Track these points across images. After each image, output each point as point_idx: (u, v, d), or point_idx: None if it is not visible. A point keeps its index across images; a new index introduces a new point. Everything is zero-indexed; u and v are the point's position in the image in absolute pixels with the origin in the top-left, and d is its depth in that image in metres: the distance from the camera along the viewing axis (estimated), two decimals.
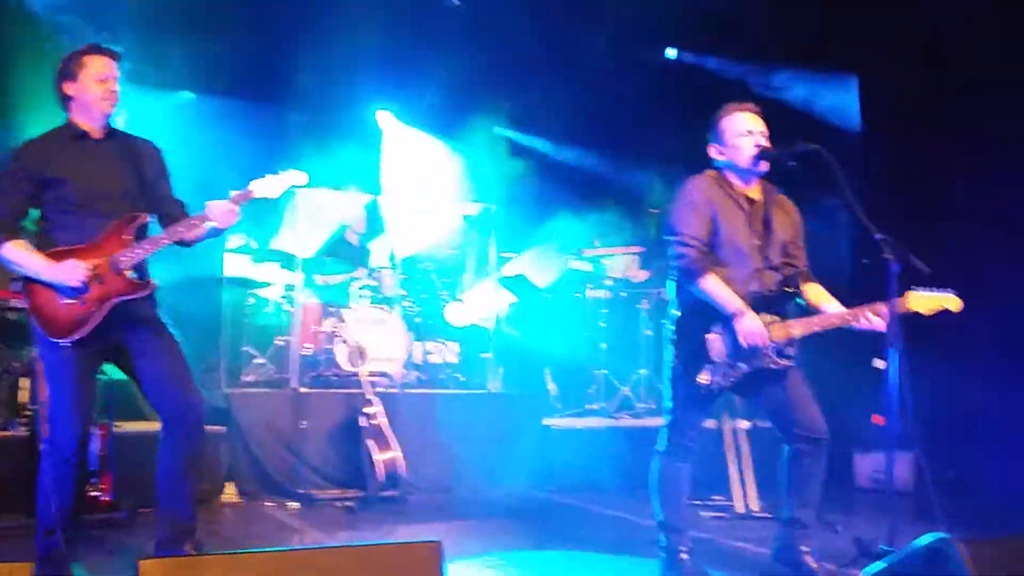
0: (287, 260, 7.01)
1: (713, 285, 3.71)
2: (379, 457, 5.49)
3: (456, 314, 7.55)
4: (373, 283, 7.16)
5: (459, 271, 7.72)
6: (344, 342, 6.43)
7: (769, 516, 5.10)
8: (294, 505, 5.47)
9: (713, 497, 5.51)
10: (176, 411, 3.63)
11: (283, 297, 7.12)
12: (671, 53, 8.68)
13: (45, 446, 3.58)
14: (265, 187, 3.76)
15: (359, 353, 6.15)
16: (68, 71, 3.62)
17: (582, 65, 7.95)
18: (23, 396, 5.50)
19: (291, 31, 7.43)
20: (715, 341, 3.73)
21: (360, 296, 7.03)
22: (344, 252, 7.52)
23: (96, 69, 3.61)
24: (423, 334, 7.31)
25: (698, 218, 3.78)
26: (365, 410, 5.63)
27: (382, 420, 5.65)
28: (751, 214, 3.85)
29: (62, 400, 3.53)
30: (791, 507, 3.87)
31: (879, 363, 3.75)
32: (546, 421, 6.56)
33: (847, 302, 3.84)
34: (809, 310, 3.84)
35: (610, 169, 8.60)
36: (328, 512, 5.40)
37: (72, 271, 3.47)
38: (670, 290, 3.95)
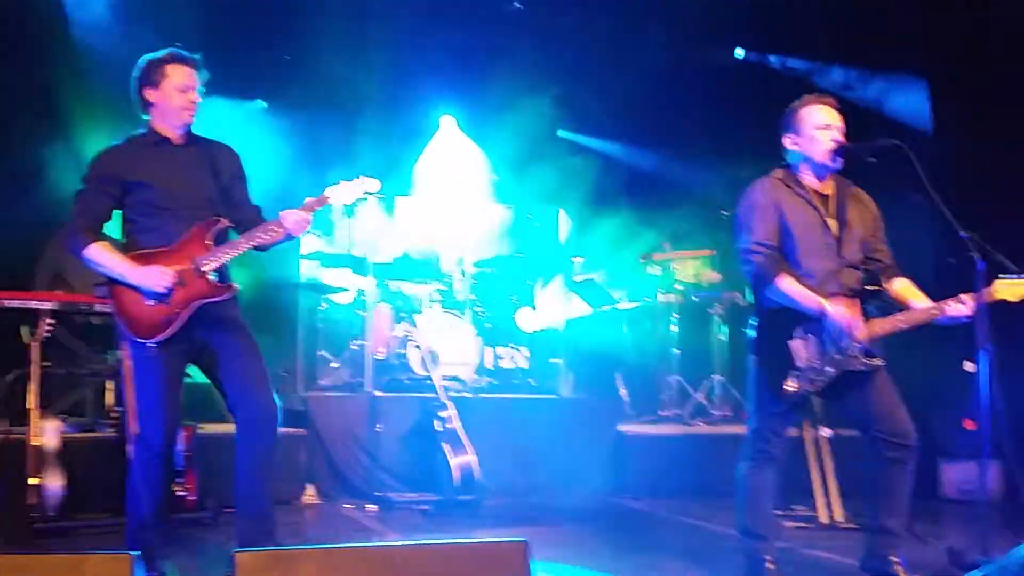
0: (359, 265, 7.10)
1: (789, 286, 3.64)
2: (454, 461, 5.50)
3: (526, 319, 7.56)
4: (443, 288, 7.22)
5: (528, 276, 7.72)
6: (417, 347, 6.49)
7: (854, 526, 4.98)
8: (372, 507, 5.51)
9: (794, 507, 5.39)
10: (253, 413, 3.69)
11: (356, 302, 7.21)
12: (739, 53, 8.57)
13: (135, 444, 3.66)
14: (339, 194, 3.82)
15: (432, 357, 6.21)
16: (150, 78, 3.68)
17: (649, 65, 7.91)
18: (109, 398, 5.68)
19: (356, 39, 7.53)
20: (799, 346, 3.66)
21: (431, 301, 7.10)
22: (414, 257, 7.58)
23: (179, 79, 3.67)
24: (493, 339, 7.32)
25: (765, 222, 3.71)
26: (440, 414, 5.66)
27: (456, 424, 5.67)
28: (824, 211, 3.76)
29: (150, 398, 3.61)
30: (878, 516, 3.76)
31: (969, 366, 3.64)
32: (620, 427, 6.51)
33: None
34: (893, 307, 3.74)
35: (679, 171, 8.51)
36: (405, 515, 5.43)
37: (158, 276, 3.55)
38: (749, 296, 3.89)
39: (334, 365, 7.07)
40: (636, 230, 8.04)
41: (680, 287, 7.48)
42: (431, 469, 5.71)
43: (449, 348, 6.73)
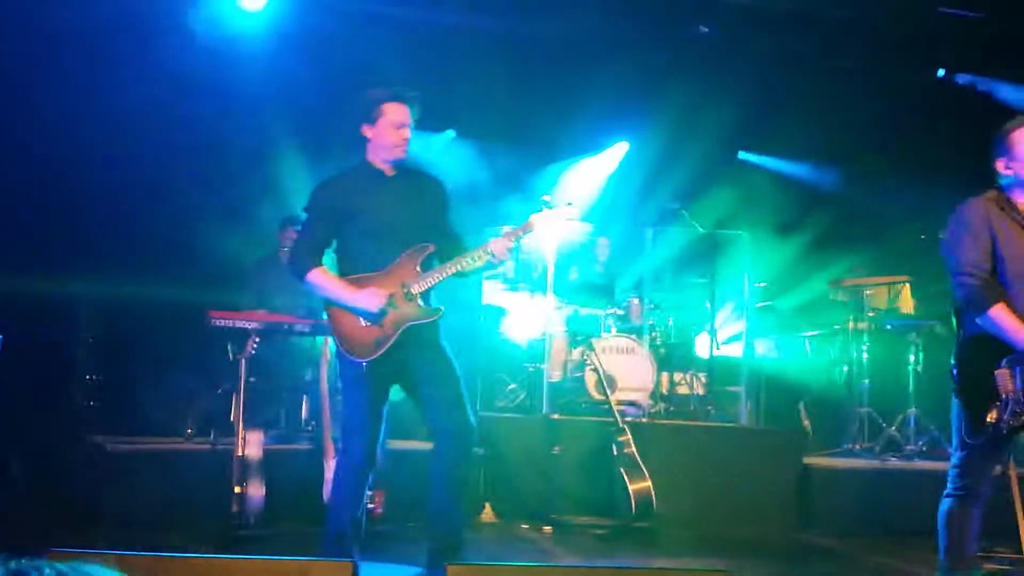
0: (537, 288, 7.17)
1: (1001, 316, 3.44)
2: (632, 487, 5.45)
3: (704, 345, 7.40)
4: (620, 312, 7.19)
5: (711, 301, 7.55)
6: (593, 370, 6.47)
7: None
8: (548, 529, 5.53)
9: (996, 549, 5.01)
10: (451, 433, 3.82)
11: (532, 325, 7.27)
12: (940, 72, 8.12)
13: (339, 459, 3.85)
14: (544, 221, 3.88)
15: (608, 382, 6.18)
16: (367, 114, 3.86)
17: (838, 85, 7.62)
18: (304, 411, 5.98)
19: (535, 72, 7.65)
20: (1004, 376, 3.43)
21: (608, 325, 7.08)
22: (591, 281, 7.60)
23: (394, 117, 3.84)
24: (670, 365, 7.22)
25: (977, 244, 3.53)
26: (618, 439, 5.62)
27: (633, 449, 5.61)
28: None
29: (358, 414, 3.80)
30: None
31: None
32: (805, 459, 6.24)
33: None
34: None
35: (871, 193, 8.13)
36: (581, 538, 5.40)
37: (373, 298, 3.73)
38: (953, 323, 3.68)
39: (511, 387, 7.17)
40: (824, 254, 7.73)
41: (872, 314, 7.12)
42: (607, 493, 5.67)
43: (625, 372, 6.69)
